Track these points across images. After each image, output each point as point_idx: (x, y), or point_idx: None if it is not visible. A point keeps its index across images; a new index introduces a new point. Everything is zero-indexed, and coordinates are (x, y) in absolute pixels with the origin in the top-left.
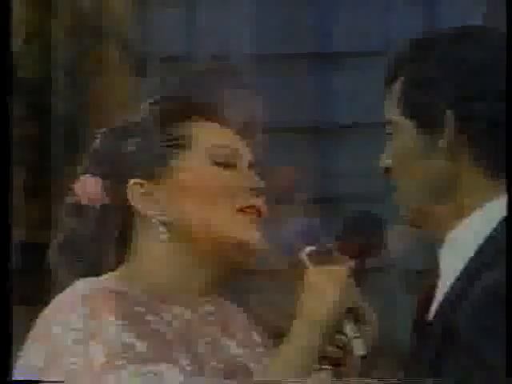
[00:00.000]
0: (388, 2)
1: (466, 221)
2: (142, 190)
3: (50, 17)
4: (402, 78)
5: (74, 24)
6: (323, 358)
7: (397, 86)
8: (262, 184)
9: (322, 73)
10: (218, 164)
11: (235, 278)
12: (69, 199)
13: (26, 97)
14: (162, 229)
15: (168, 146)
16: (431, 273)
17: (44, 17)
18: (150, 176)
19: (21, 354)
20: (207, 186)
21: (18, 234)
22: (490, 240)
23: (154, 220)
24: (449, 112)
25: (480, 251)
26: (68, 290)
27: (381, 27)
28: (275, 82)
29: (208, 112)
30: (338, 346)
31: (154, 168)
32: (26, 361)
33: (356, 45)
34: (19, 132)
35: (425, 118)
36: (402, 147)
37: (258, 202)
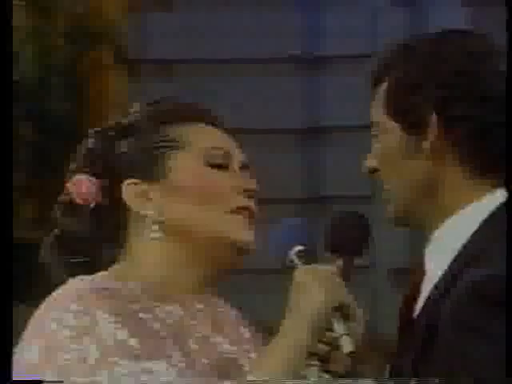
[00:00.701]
0: (376, 4)
1: (451, 220)
2: (136, 190)
3: (46, 20)
4: (388, 80)
5: (70, 27)
6: (312, 355)
7: (382, 88)
8: (253, 185)
9: (309, 74)
10: (211, 165)
11: (228, 277)
12: (63, 199)
13: (22, 98)
14: (155, 228)
15: (163, 147)
16: (417, 271)
17: (40, 20)
18: (145, 176)
19: (17, 350)
20: (201, 186)
21: (17, 233)
22: (473, 239)
23: (148, 219)
24: (432, 114)
25: (464, 250)
26: (62, 288)
27: (369, 29)
28: (264, 85)
29: (202, 114)
30: (326, 343)
31: (148, 168)
32: (22, 357)
33: (344, 47)
34: (15, 133)
35: (409, 120)
36: (388, 148)
37: (250, 202)
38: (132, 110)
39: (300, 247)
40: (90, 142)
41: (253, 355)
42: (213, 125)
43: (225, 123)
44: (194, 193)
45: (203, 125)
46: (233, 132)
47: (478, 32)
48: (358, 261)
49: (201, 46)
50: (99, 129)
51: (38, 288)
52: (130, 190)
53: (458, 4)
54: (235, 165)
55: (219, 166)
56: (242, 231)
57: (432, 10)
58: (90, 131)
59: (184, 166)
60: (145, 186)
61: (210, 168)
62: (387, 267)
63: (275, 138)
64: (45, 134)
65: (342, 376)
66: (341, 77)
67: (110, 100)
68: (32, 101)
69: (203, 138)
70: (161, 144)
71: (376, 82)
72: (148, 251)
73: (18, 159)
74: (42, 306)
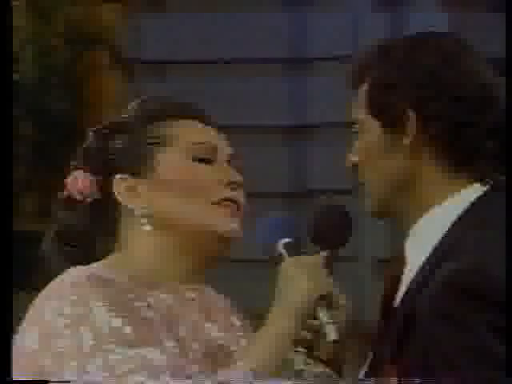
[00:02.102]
0: (360, 6)
1: (428, 215)
2: (126, 185)
3: (46, 20)
4: (368, 80)
5: (68, 30)
6: (298, 341)
7: (363, 88)
8: (239, 177)
9: (296, 74)
10: (197, 160)
11: (215, 265)
12: (62, 193)
13: (23, 98)
14: (145, 221)
15: (151, 144)
16: (398, 262)
17: (40, 20)
18: (134, 172)
19: (16, 337)
20: (187, 180)
21: (20, 225)
22: (449, 233)
23: (137, 212)
24: (410, 112)
25: (440, 243)
26: (59, 278)
27: (353, 31)
28: (253, 85)
29: (189, 111)
30: (312, 331)
31: (137, 164)
32: (21, 344)
33: (329, 49)
34: (16, 131)
35: (388, 118)
36: (368, 145)
37: (236, 195)
38: (127, 109)
39: (287, 239)
40: (88, 141)
41: (243, 342)
42: (199, 121)
43: (217, 121)
44: (180, 186)
45: (190, 121)
46: (224, 129)
47: (453, 34)
48: (343, 251)
49: (195, 47)
50: (96, 128)
51: (38, 277)
52: (119, 185)
53: (439, 7)
54: (222, 158)
55: (205, 160)
56: (227, 222)
57: (413, 11)
58: (90, 129)
59: (170, 160)
60: (133, 181)
61: (196, 162)
62: (373, 257)
63: (264, 135)
64: (45, 133)
65: (327, 362)
66: (325, 77)
67: (107, 100)
68: (32, 100)
69: (189, 134)
70: (149, 141)
71: (357, 82)
72: (139, 243)
73: (19, 156)
74: (41, 295)
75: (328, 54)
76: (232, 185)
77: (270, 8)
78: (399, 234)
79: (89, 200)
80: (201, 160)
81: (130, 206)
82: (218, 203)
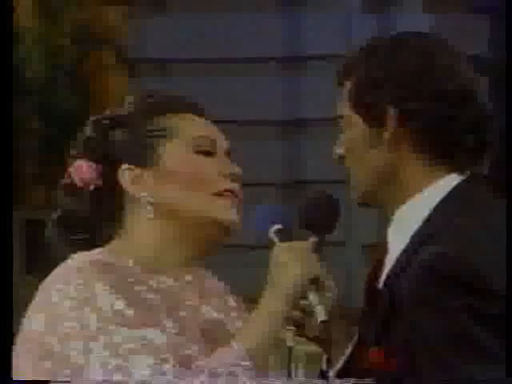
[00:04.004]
0: (349, 7)
1: (409, 204)
2: (131, 175)
3: (51, 20)
4: (352, 78)
5: (74, 30)
6: (289, 321)
7: (348, 86)
8: (237, 169)
9: (293, 73)
10: (199, 152)
11: (216, 252)
12: (65, 181)
13: (31, 95)
14: (149, 208)
15: (154, 136)
16: (381, 248)
17: (47, 24)
18: (139, 162)
19: (24, 320)
20: (189, 171)
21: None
22: (428, 220)
23: (141, 201)
24: (391, 109)
25: (420, 230)
26: (65, 263)
27: (344, 31)
28: (251, 83)
29: (189, 105)
30: (302, 311)
31: (142, 155)
32: (28, 326)
33: (323, 48)
34: (29, 126)
35: (371, 114)
36: (352, 138)
37: (235, 186)
38: (126, 102)
39: (278, 226)
40: (88, 131)
41: (239, 322)
42: (199, 115)
43: (217, 118)
44: (182, 177)
45: (191, 115)
46: (224, 125)
47: (434, 34)
48: (331, 237)
49: (195, 47)
50: (96, 118)
51: (46, 262)
52: (125, 174)
53: (425, 8)
54: (221, 151)
55: (206, 153)
56: (227, 212)
57: (400, 13)
58: (89, 120)
59: (173, 153)
60: (139, 172)
61: (197, 155)
62: (361, 243)
63: (262, 129)
64: (54, 129)
65: (315, 340)
66: (317, 76)
67: (110, 96)
68: (41, 98)
69: (190, 128)
70: (152, 133)
71: (342, 81)
72: (142, 229)
73: (30, 150)
74: (47, 280)
75: (322, 53)
76: (231, 176)
77: (269, 9)
78: (385, 221)
79: (90, 187)
80: (202, 152)
81: (135, 194)
82: (220, 194)
